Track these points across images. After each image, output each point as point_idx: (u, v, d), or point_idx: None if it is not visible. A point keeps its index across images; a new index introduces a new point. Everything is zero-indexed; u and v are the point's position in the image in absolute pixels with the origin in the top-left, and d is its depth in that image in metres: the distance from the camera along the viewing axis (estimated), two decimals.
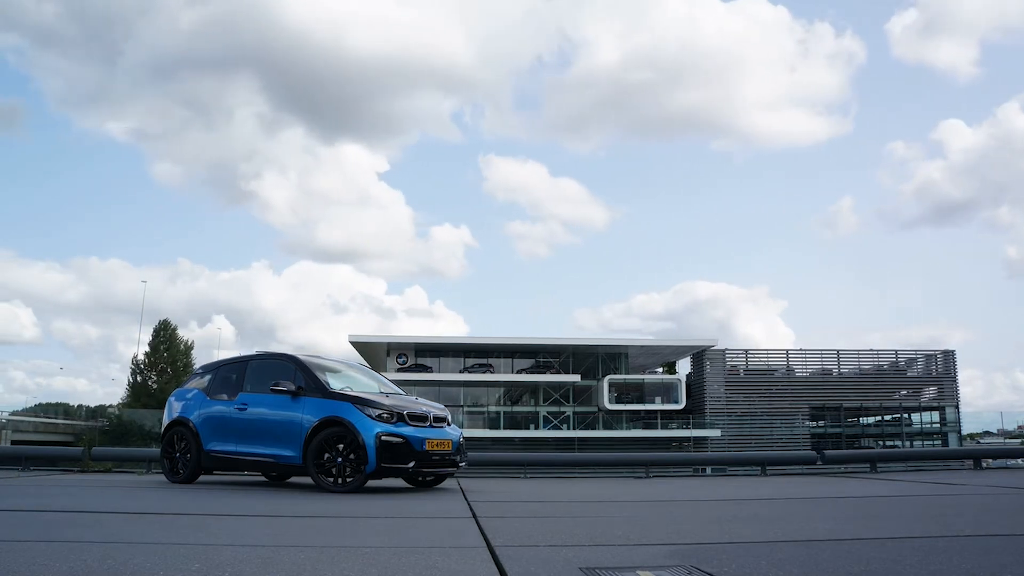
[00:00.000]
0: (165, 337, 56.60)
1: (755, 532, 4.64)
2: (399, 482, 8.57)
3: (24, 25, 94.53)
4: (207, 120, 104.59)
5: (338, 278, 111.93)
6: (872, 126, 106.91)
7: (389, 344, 46.58)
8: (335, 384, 7.99)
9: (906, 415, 46.75)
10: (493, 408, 47.51)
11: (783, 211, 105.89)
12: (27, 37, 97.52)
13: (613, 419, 45.43)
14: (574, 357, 47.35)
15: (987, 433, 51.88)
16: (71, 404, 68.45)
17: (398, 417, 7.50)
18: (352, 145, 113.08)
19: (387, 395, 8.28)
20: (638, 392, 46.17)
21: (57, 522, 4.78)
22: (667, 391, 45.85)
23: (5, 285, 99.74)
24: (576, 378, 45.59)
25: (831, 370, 47.51)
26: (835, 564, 3.31)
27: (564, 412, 46.23)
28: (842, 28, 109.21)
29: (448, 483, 9.01)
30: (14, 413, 49.13)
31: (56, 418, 53.69)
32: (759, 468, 13.51)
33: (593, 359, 47.26)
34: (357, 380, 8.68)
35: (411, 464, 7.49)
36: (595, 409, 46.26)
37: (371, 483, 7.57)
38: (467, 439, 8.84)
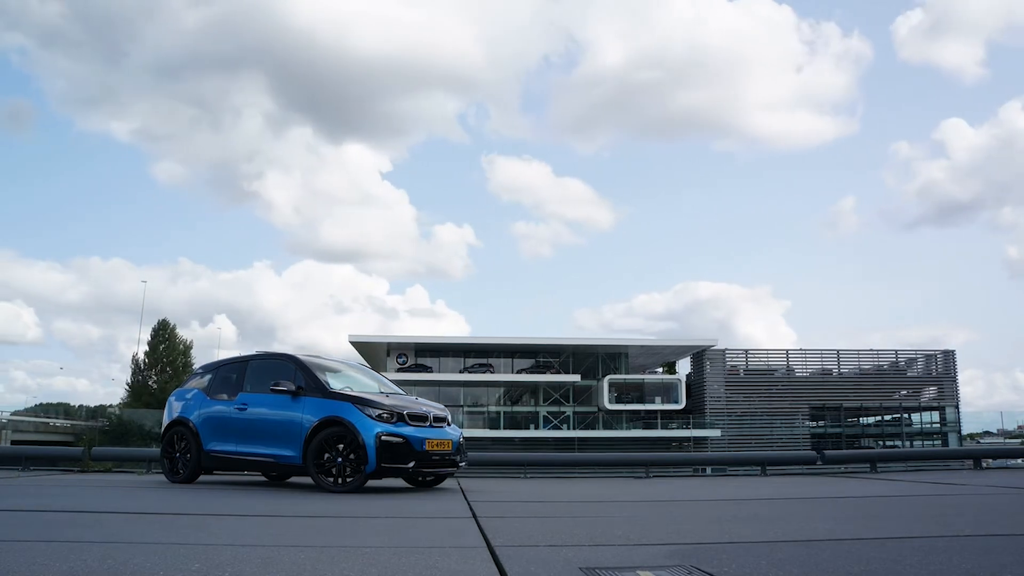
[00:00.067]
0: (164, 337, 56.62)
1: (755, 532, 4.64)
2: (399, 482, 8.56)
3: (28, 25, 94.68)
4: (213, 120, 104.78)
5: (340, 278, 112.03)
6: (878, 126, 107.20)
7: (389, 344, 46.58)
8: (335, 384, 7.99)
9: (906, 415, 46.74)
10: (493, 408, 47.51)
11: (786, 211, 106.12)
12: (31, 37, 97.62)
13: (613, 419, 45.43)
14: (574, 357, 47.35)
15: (987, 433, 51.84)
16: (71, 404, 68.47)
17: (398, 417, 7.50)
18: (358, 145, 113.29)
19: (387, 395, 8.28)
20: (638, 392, 46.17)
21: (57, 522, 4.78)
22: (667, 391, 45.85)
23: (7, 285, 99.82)
24: (576, 378, 45.59)
25: (831, 370, 47.51)
26: (835, 564, 3.31)
27: (564, 412, 46.22)
28: (849, 28, 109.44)
29: (448, 483, 9.01)
30: (14, 413, 49.11)
31: (56, 418, 53.69)
32: (759, 468, 13.51)
33: (593, 359, 47.26)
34: (357, 380, 8.68)
35: (411, 464, 7.49)
36: (595, 409, 46.26)
37: (371, 483, 7.57)
38: (467, 439, 8.84)
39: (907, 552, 3.64)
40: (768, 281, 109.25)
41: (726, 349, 46.35)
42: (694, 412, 44.94)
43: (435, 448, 7.67)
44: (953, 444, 41.69)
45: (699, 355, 46.34)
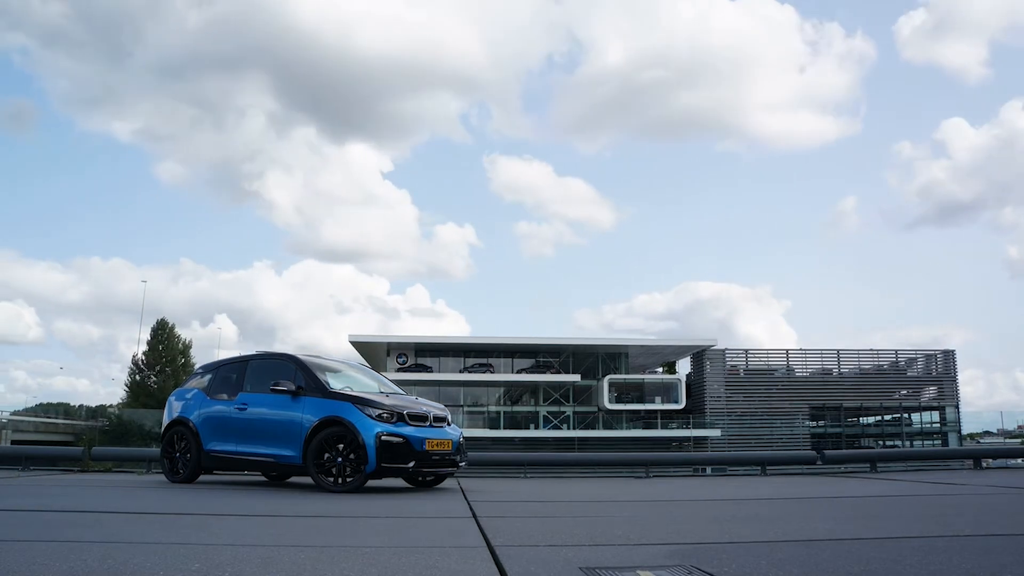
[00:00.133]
0: (164, 337, 56.58)
1: (755, 532, 4.64)
2: (399, 482, 8.57)
3: (30, 25, 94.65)
4: (215, 120, 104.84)
5: (341, 278, 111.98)
6: (881, 126, 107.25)
7: (389, 344, 46.58)
8: (335, 384, 7.99)
9: (906, 415, 46.76)
10: (493, 408, 47.51)
11: (788, 211, 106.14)
12: (33, 37, 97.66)
13: (613, 419, 45.43)
14: (574, 357, 47.36)
15: (987, 433, 51.80)
16: (71, 404, 68.45)
17: (398, 417, 7.50)
18: (361, 145, 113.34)
19: (387, 395, 8.28)
20: (638, 392, 46.18)
21: (57, 522, 4.78)
22: (667, 391, 45.86)
23: (8, 285, 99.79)
24: (576, 378, 45.59)
25: (831, 370, 47.52)
26: (835, 564, 3.31)
27: (564, 412, 46.23)
28: (852, 28, 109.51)
29: (448, 483, 9.01)
30: (15, 413, 49.09)
31: (56, 418, 53.67)
32: (759, 468, 13.51)
33: (593, 359, 47.26)
34: (357, 380, 8.68)
35: (411, 464, 7.49)
36: (595, 409, 46.26)
37: (371, 483, 7.57)
38: (467, 439, 8.84)
39: (907, 552, 3.64)
40: (769, 281, 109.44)
41: (726, 349, 46.37)
42: (694, 412, 44.94)
43: (435, 448, 7.67)
44: (953, 444, 41.71)
45: (699, 355, 46.35)
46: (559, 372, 46.62)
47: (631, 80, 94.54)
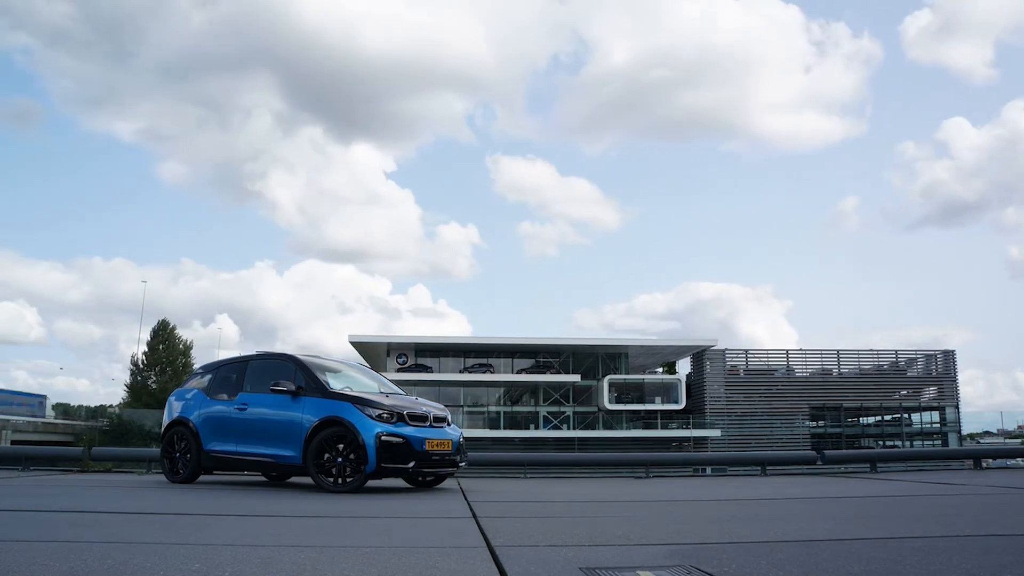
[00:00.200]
0: (164, 337, 56.59)
1: (755, 532, 4.64)
2: (399, 482, 8.57)
3: (33, 25, 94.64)
4: (220, 120, 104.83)
5: (343, 278, 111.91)
6: (886, 127, 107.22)
7: (389, 344, 46.58)
8: (335, 384, 7.99)
9: (906, 415, 46.76)
10: (493, 408, 47.51)
11: (791, 211, 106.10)
12: (36, 37, 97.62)
13: (613, 419, 45.43)
14: (574, 357, 47.36)
15: (987, 433, 51.87)
16: (71, 404, 68.38)
17: (398, 417, 7.50)
18: (367, 145, 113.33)
19: (387, 395, 8.28)
20: (638, 392, 46.18)
21: (57, 522, 4.79)
22: (667, 391, 45.86)
23: (9, 285, 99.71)
24: (576, 378, 45.59)
25: (831, 370, 47.52)
26: (835, 564, 3.31)
27: (564, 412, 46.22)
28: (859, 29, 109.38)
29: (448, 483, 9.01)
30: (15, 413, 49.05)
31: (56, 418, 53.65)
32: (759, 468, 13.51)
33: (593, 359, 47.26)
34: (357, 380, 8.68)
35: (411, 464, 7.49)
36: (595, 409, 46.26)
37: (371, 483, 7.57)
38: (467, 439, 8.84)
39: (907, 552, 3.64)
40: (770, 281, 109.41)
41: (726, 349, 46.36)
42: (694, 412, 44.94)
43: (435, 448, 7.67)
44: (953, 444, 41.72)
45: (699, 355, 46.35)
46: (559, 372, 46.62)
47: (636, 80, 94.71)
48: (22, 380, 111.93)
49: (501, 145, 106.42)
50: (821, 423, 46.21)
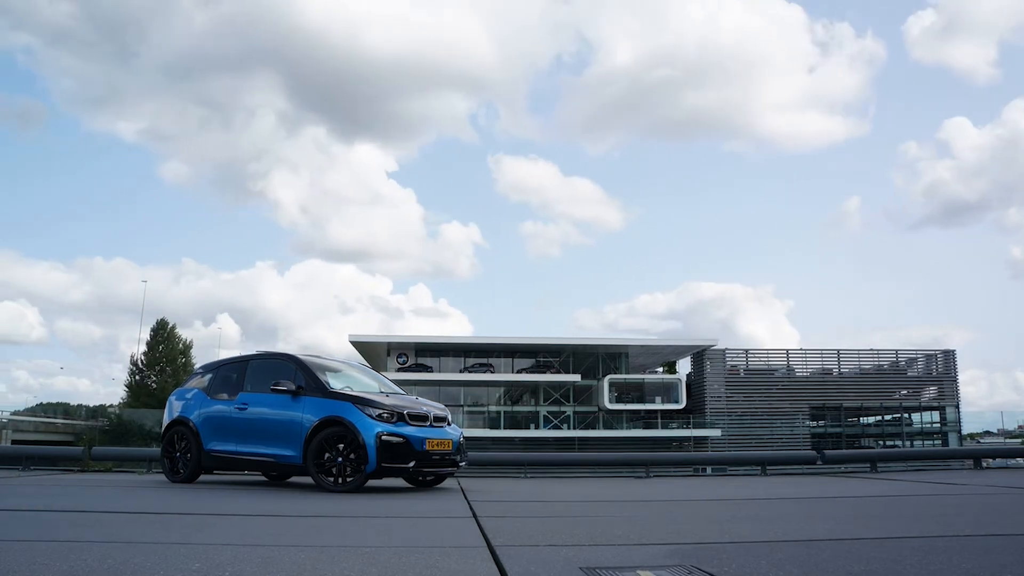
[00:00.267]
0: (164, 337, 56.61)
1: (755, 532, 4.64)
2: (399, 482, 8.57)
3: (36, 25, 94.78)
4: (224, 119, 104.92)
5: (345, 277, 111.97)
6: (889, 127, 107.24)
7: (389, 344, 46.58)
8: (335, 384, 7.99)
9: (906, 415, 46.76)
10: (493, 408, 47.52)
11: (793, 211, 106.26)
12: (39, 37, 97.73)
13: (613, 419, 45.43)
14: (574, 357, 47.36)
15: (987, 433, 51.81)
16: (71, 404, 68.43)
17: (398, 417, 7.50)
18: (371, 145, 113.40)
19: (387, 395, 8.28)
20: (638, 392, 46.18)
21: (57, 522, 4.79)
22: (667, 391, 45.85)
23: (10, 285, 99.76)
24: (576, 378, 45.59)
25: (831, 370, 47.52)
26: (835, 564, 3.31)
27: (564, 412, 46.23)
28: (863, 29, 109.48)
29: (448, 483, 9.01)
30: (15, 413, 49.08)
31: (56, 418, 53.66)
32: (759, 468, 13.51)
33: (593, 359, 47.26)
34: (357, 380, 8.68)
35: (411, 464, 7.49)
36: (595, 409, 46.26)
37: (371, 483, 7.57)
38: (467, 439, 8.84)
39: (907, 552, 3.64)
40: (771, 281, 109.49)
41: (726, 349, 46.37)
42: (694, 412, 44.94)
43: (435, 448, 7.67)
44: (953, 444, 41.71)
45: (699, 355, 46.35)
46: (559, 372, 46.62)
47: (639, 80, 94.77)
48: (23, 380, 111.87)
49: (504, 145, 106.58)
50: (821, 423, 46.21)
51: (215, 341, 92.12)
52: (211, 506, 6.19)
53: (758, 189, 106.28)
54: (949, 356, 46.77)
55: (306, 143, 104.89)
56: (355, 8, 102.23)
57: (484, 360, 46.85)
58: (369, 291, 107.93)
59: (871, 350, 48.07)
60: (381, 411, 7.45)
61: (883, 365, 47.53)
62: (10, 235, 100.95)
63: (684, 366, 48.91)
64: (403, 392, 8.94)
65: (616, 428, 44.85)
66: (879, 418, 47.72)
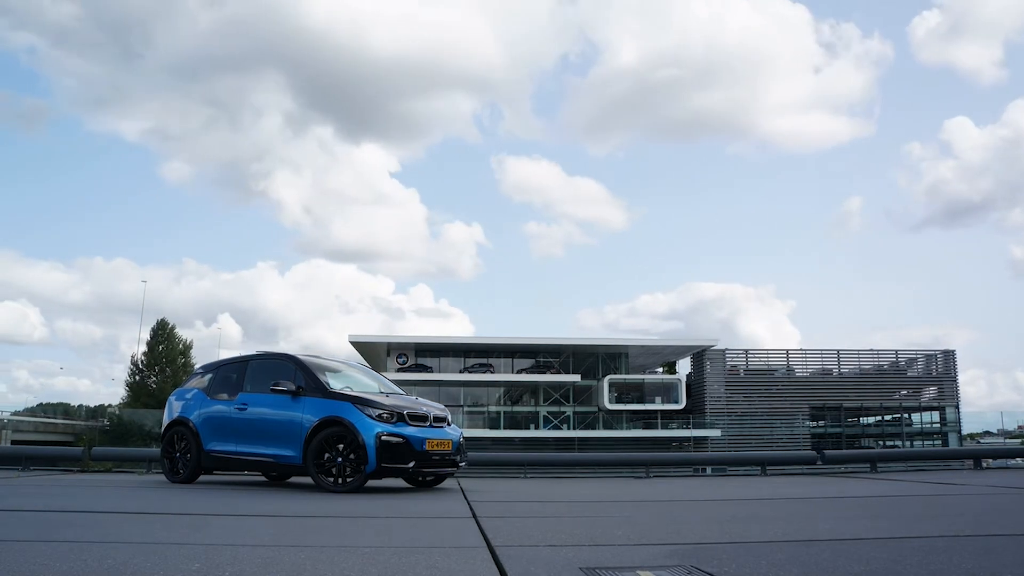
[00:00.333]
0: (163, 337, 56.59)
1: (755, 532, 4.64)
2: (399, 482, 8.57)
3: (40, 25, 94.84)
4: (229, 120, 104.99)
5: (346, 278, 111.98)
6: (894, 127, 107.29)
7: (389, 344, 46.58)
8: (335, 384, 7.99)
9: (906, 415, 46.76)
10: (493, 408, 47.51)
11: (796, 212, 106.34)
12: (43, 37, 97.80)
13: (613, 419, 45.43)
14: (574, 357, 47.35)
15: (987, 433, 51.83)
16: (71, 404, 68.43)
17: (398, 417, 7.50)
18: (376, 145, 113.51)
19: (387, 395, 8.28)
20: (638, 392, 46.17)
21: (57, 522, 4.78)
22: (667, 391, 45.86)
23: (11, 285, 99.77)
24: (576, 378, 45.59)
25: (831, 370, 47.52)
26: (835, 564, 3.31)
27: (564, 412, 46.23)
28: (869, 30, 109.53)
29: (448, 483, 9.01)
30: (15, 413, 49.07)
31: (56, 418, 53.65)
32: (759, 468, 13.51)
33: (593, 359, 47.26)
34: (357, 380, 8.68)
35: (411, 464, 7.49)
36: (595, 409, 46.26)
37: (371, 483, 7.57)
38: (467, 439, 8.84)
39: (907, 552, 3.64)
40: (772, 281, 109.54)
41: (726, 349, 46.37)
42: (694, 412, 44.94)
43: (435, 448, 7.67)
44: (953, 444, 41.72)
45: (699, 355, 46.35)
46: (559, 372, 46.62)
47: (644, 80, 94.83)
48: (23, 380, 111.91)
49: (507, 145, 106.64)
50: (821, 423, 46.21)
51: (216, 341, 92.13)
52: (211, 506, 6.19)
53: (761, 189, 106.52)
54: (949, 356, 46.77)
55: (309, 143, 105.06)
56: (360, 8, 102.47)
57: (484, 360, 46.85)
58: (370, 291, 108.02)
59: (871, 350, 48.10)
60: (381, 411, 7.45)
61: (883, 365, 47.52)
62: (11, 235, 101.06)
63: (684, 366, 48.99)
64: (403, 392, 8.94)
65: (616, 428, 44.84)
66: (879, 418, 47.72)
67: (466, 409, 45.23)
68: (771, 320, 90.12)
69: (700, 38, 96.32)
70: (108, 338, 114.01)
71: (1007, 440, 45.50)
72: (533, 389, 47.68)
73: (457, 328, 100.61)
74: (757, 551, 3.73)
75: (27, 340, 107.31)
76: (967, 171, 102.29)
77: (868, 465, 13.89)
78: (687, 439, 43.50)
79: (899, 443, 43.74)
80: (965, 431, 45.75)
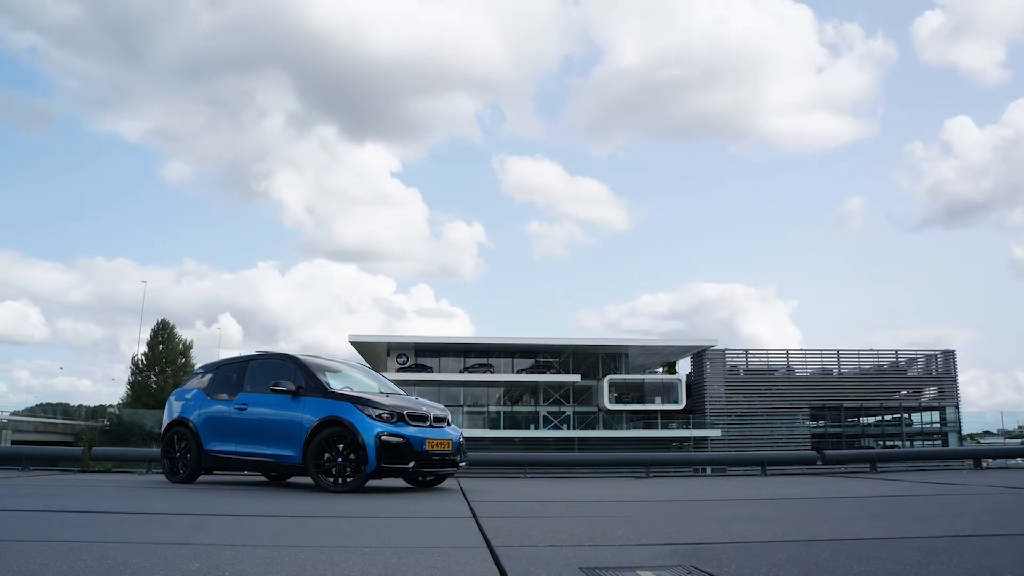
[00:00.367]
0: (164, 337, 56.60)
1: (755, 532, 4.64)
2: (399, 482, 8.56)
3: (41, 25, 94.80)
4: (232, 120, 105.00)
5: (347, 278, 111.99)
6: (896, 128, 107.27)
7: (389, 344, 46.58)
8: (335, 384, 7.99)
9: (906, 415, 46.77)
10: (493, 408, 47.51)
11: (797, 212, 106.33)
12: (44, 37, 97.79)
13: (613, 419, 45.43)
14: (574, 357, 47.36)
15: (987, 433, 51.86)
16: (71, 404, 68.41)
17: (398, 417, 7.50)
18: (379, 145, 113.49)
19: (387, 395, 8.28)
20: (638, 392, 46.18)
21: (57, 522, 4.79)
22: (667, 391, 45.87)
23: (11, 285, 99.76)
24: (576, 378, 45.60)
25: (831, 370, 47.53)
26: (835, 564, 3.31)
27: (564, 412, 46.23)
28: (872, 30, 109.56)
29: (448, 483, 9.01)
30: (14, 413, 49.05)
31: (56, 418, 53.64)
32: (759, 468, 13.51)
33: (593, 359, 47.26)
34: (357, 380, 8.68)
35: (411, 464, 7.48)
36: (595, 409, 46.27)
37: (371, 483, 7.57)
38: (467, 439, 8.84)
39: (907, 552, 3.64)
40: (774, 281, 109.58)
41: (726, 349, 46.37)
42: (694, 412, 44.95)
43: (435, 448, 7.67)
44: (953, 444, 41.72)
45: (699, 355, 46.35)
46: (559, 372, 46.63)
47: (647, 80, 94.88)
48: (23, 380, 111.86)
49: (509, 145, 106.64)
50: (821, 423, 46.22)
51: (216, 341, 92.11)
52: (211, 506, 6.19)
53: (762, 190, 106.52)
54: (949, 356, 46.79)
55: (312, 143, 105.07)
56: (362, 8, 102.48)
57: (484, 360, 46.86)
58: (371, 291, 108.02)
59: (871, 350, 48.13)
60: (381, 411, 7.45)
61: (883, 365, 47.54)
62: (11, 235, 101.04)
63: (684, 366, 49.00)
64: (403, 392, 8.94)
65: (616, 428, 44.85)
66: (879, 418, 47.73)
67: (466, 409, 45.23)
68: (772, 320, 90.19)
69: (703, 38, 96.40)
70: (108, 338, 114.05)
71: (1007, 440, 45.54)
72: (533, 389, 47.68)
73: (458, 328, 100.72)
74: (757, 551, 3.73)
75: (28, 340, 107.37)
76: (968, 171, 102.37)
77: (868, 465, 13.89)
78: (687, 439, 43.50)
79: (899, 443, 43.74)
80: (965, 431, 45.79)
